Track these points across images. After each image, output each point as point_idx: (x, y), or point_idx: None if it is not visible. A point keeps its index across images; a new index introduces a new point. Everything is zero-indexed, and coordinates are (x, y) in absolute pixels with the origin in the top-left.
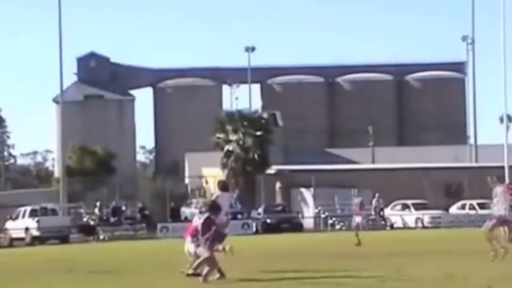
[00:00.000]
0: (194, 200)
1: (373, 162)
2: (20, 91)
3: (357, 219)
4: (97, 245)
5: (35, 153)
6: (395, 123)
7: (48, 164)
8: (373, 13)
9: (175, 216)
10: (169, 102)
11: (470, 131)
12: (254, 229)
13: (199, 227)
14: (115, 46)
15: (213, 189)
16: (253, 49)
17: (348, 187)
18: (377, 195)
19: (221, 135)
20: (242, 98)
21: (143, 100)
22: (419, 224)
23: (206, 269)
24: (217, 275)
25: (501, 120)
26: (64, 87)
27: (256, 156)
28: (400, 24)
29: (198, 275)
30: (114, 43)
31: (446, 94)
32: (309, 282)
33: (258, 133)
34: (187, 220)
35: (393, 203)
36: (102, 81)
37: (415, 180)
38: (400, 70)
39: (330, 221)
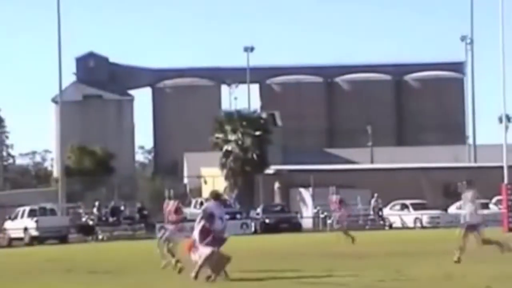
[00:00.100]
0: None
1: (372, 162)
2: (19, 91)
3: (337, 215)
4: (96, 245)
5: (34, 153)
6: (394, 123)
7: (47, 164)
8: (372, 13)
9: None
10: (168, 102)
11: (469, 131)
12: (253, 229)
13: (197, 237)
14: (114, 46)
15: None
16: (252, 49)
17: (347, 187)
18: (376, 195)
19: (220, 135)
20: (241, 98)
21: (142, 100)
22: (418, 224)
23: (200, 262)
24: (209, 273)
25: (500, 120)
26: (63, 87)
27: (255, 156)
28: (399, 24)
29: (209, 277)
30: (113, 43)
31: (445, 94)
32: (308, 282)
33: (257, 133)
34: (186, 220)
35: (392, 203)
36: (101, 81)
37: (414, 180)
38: (399, 70)
39: (329, 221)
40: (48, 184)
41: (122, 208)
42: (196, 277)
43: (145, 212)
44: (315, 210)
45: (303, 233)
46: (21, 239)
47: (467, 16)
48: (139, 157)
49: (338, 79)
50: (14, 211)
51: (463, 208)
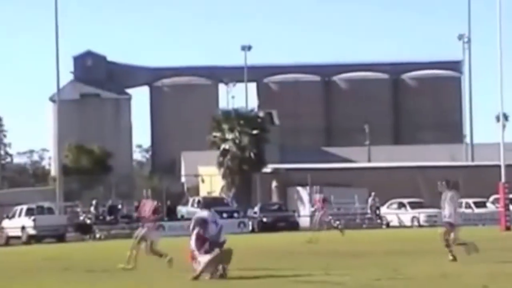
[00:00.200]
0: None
1: (369, 160)
2: (17, 90)
3: (319, 215)
4: (94, 243)
5: (31, 151)
6: (391, 121)
7: (44, 162)
8: (369, 12)
9: (171, 214)
10: (165, 100)
11: (466, 130)
12: (250, 227)
13: (194, 246)
14: (112, 45)
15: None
16: (249, 47)
17: (344, 185)
18: (373, 193)
19: (218, 134)
20: (239, 96)
21: (140, 98)
22: (415, 223)
23: (202, 267)
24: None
25: (498, 118)
26: (61, 85)
27: (252, 154)
28: (396, 23)
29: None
30: (110, 42)
31: (442, 93)
32: (305, 280)
33: (255, 131)
34: (183, 218)
35: (389, 202)
36: (98, 79)
37: (411, 179)
38: (396, 69)
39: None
40: (46, 182)
41: (120, 206)
42: (196, 278)
43: None
44: (313, 209)
45: (301, 231)
46: (18, 237)
47: (464, 14)
48: (137, 155)
49: (335, 78)
50: (11, 210)
51: (442, 207)
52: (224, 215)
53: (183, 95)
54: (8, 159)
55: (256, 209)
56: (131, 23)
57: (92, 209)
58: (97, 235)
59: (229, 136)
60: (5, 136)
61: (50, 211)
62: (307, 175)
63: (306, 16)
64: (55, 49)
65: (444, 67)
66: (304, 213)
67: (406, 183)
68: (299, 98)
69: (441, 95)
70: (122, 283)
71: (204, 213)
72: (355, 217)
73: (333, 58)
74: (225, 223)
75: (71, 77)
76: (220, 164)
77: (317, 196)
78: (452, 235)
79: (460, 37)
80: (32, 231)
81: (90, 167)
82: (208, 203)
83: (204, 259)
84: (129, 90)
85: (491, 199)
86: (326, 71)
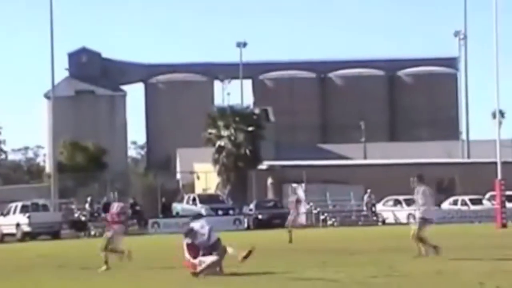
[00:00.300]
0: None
1: (365, 157)
2: (11, 87)
3: (291, 217)
4: (88, 240)
5: (26, 148)
6: (387, 118)
7: (39, 159)
8: (365, 9)
9: (167, 211)
10: (160, 97)
11: (462, 127)
12: (245, 225)
13: (188, 256)
14: (107, 42)
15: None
16: (244, 44)
17: (340, 182)
18: (369, 190)
19: (213, 131)
20: (234, 93)
21: (135, 95)
22: (411, 220)
23: (204, 265)
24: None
25: (494, 115)
26: (55, 82)
27: (247, 151)
28: (392, 19)
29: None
30: (105, 38)
31: (438, 89)
32: (300, 277)
33: (250, 128)
34: (178, 215)
35: (385, 199)
36: (93, 76)
37: (407, 176)
38: (392, 66)
39: (322, 217)
40: (41, 179)
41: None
42: (196, 275)
43: (138, 208)
44: (308, 206)
45: (296, 229)
46: (13, 234)
47: (460, 11)
48: (132, 152)
49: (331, 75)
50: (6, 207)
51: (416, 203)
52: (220, 212)
53: (178, 91)
54: (3, 156)
55: (252, 206)
56: (126, 19)
57: (87, 206)
58: (92, 232)
59: (224, 133)
60: None
61: (45, 208)
62: (303, 172)
63: (302, 12)
64: (49, 46)
65: (440, 63)
66: (300, 210)
67: (402, 180)
68: (294, 95)
69: (437, 92)
70: (116, 280)
71: (192, 224)
72: (350, 214)
73: (329, 55)
74: (220, 220)
75: (66, 73)
76: (215, 161)
77: (292, 197)
78: (420, 230)
79: (456, 33)
80: (26, 228)
81: (85, 164)
82: (204, 200)
83: (207, 259)
84: (124, 87)
85: (487, 196)
86: (322, 67)
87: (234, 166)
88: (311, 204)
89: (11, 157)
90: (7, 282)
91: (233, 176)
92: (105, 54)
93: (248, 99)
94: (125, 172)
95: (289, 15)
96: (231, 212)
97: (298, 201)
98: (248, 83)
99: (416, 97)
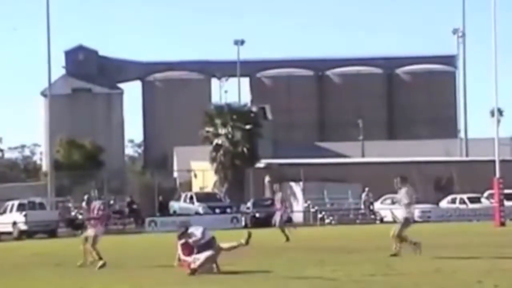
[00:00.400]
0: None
1: (363, 155)
2: (8, 84)
3: (277, 215)
4: None
5: (23, 146)
6: (385, 116)
7: (36, 158)
8: (363, 6)
9: (164, 210)
10: (157, 95)
11: (461, 125)
12: (243, 223)
13: (183, 256)
14: (103, 39)
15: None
16: (242, 42)
17: (338, 181)
18: (366, 189)
19: (210, 129)
20: (231, 91)
21: (132, 93)
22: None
23: (199, 262)
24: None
25: (492, 113)
26: (52, 80)
27: (245, 150)
28: (390, 17)
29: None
30: (102, 36)
31: (437, 87)
32: (298, 276)
33: (247, 126)
34: (175, 214)
35: (383, 197)
36: (90, 74)
37: (405, 174)
38: (390, 64)
39: (319, 215)
40: (37, 178)
41: (112, 202)
42: (193, 273)
43: (135, 206)
44: (306, 204)
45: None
46: (9, 233)
47: (459, 9)
48: (129, 150)
49: (328, 73)
50: (2, 205)
51: (398, 203)
52: (217, 210)
53: (176, 89)
54: None
55: (249, 204)
56: (123, 17)
57: (83, 204)
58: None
59: (221, 131)
60: None
61: (41, 206)
62: (300, 170)
63: (299, 10)
64: (46, 44)
65: (439, 61)
66: (297, 208)
67: None
68: (292, 92)
69: (435, 90)
70: (113, 278)
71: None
72: (348, 213)
73: (327, 53)
74: (217, 219)
75: (62, 71)
76: (212, 159)
77: (278, 196)
78: (403, 230)
79: (455, 31)
80: (23, 227)
81: (82, 162)
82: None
83: (201, 256)
84: (121, 85)
85: (485, 194)
86: (320, 65)
87: (231, 164)
88: (308, 202)
89: (8, 155)
90: (4, 280)
91: (230, 174)
92: (102, 52)
93: (246, 97)
94: (122, 170)
95: (287, 13)
96: (228, 210)
97: (283, 201)
98: (245, 81)
99: (414, 95)
